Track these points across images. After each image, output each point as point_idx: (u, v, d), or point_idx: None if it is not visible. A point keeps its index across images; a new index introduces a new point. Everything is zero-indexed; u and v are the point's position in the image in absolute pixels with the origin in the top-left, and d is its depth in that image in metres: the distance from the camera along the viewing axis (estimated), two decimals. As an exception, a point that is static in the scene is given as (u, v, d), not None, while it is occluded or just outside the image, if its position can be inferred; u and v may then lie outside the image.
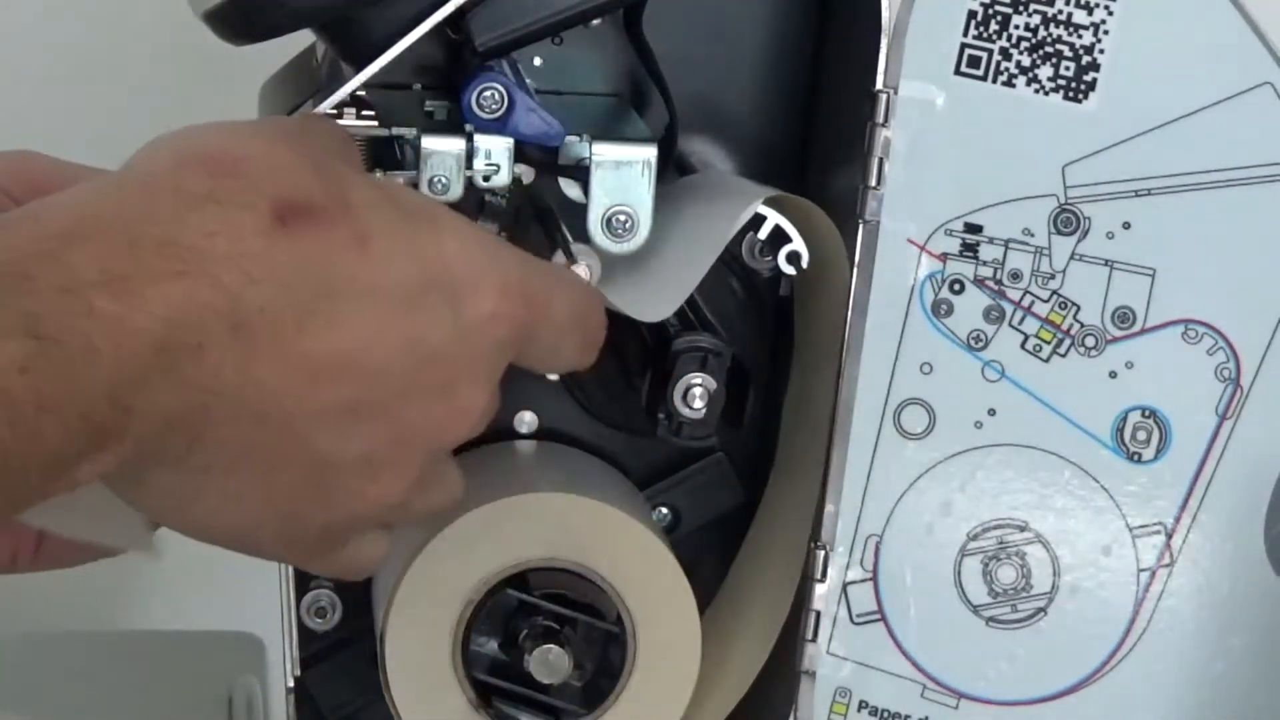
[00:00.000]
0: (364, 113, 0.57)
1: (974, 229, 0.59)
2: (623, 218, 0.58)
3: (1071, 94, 0.58)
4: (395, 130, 0.57)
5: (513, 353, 0.50)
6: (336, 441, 0.47)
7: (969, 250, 0.59)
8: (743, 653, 0.64)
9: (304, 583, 0.64)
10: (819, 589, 0.61)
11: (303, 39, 0.61)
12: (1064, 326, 0.59)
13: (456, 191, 0.57)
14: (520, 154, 0.58)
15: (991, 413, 0.60)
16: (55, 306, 0.42)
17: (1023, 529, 0.61)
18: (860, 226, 0.59)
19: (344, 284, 0.46)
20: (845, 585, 0.61)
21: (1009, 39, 0.57)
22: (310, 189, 0.46)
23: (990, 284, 0.59)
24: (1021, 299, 0.59)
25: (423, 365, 0.47)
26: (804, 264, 0.59)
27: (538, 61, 0.61)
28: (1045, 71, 0.58)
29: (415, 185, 0.57)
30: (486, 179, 0.57)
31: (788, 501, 0.64)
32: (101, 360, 0.42)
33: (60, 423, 0.42)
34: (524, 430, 0.66)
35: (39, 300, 0.42)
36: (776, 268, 0.60)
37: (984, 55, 0.58)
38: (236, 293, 0.44)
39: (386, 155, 0.58)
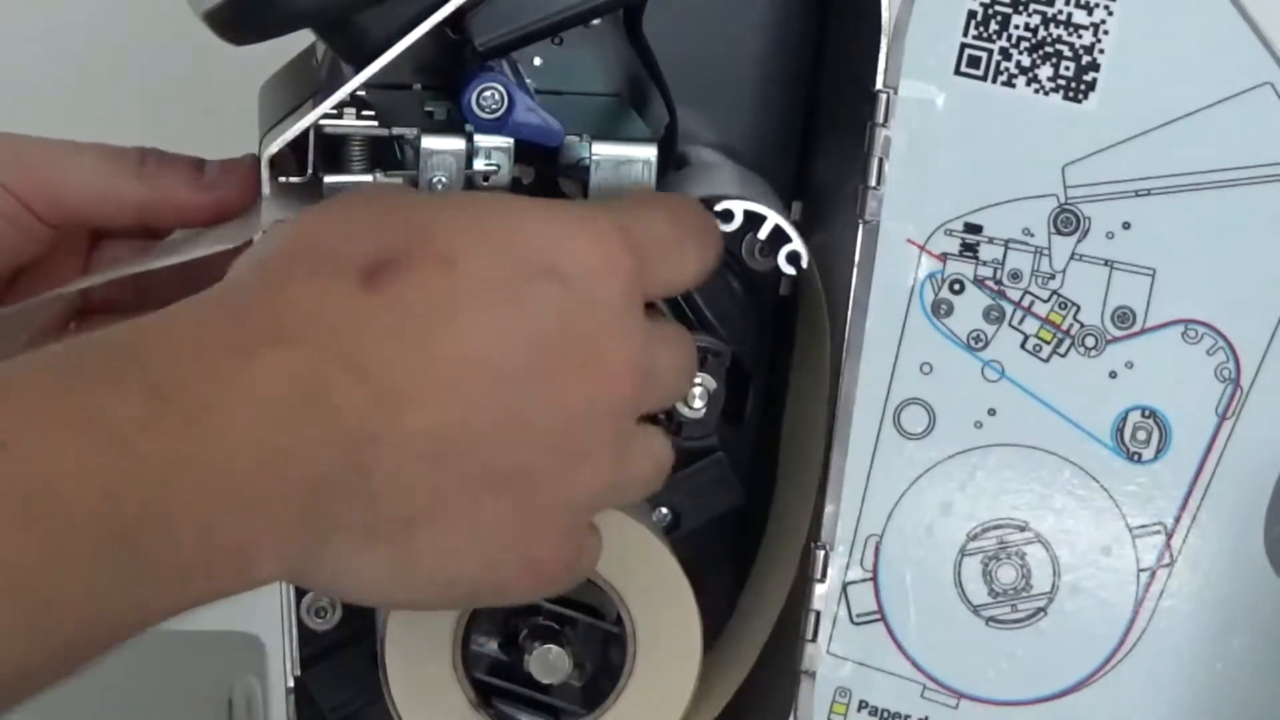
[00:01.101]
0: (364, 113, 0.57)
1: (974, 229, 0.59)
2: (623, 218, 0.58)
3: (1071, 94, 0.58)
4: (395, 130, 0.57)
5: (637, 292, 0.49)
6: (518, 450, 0.47)
7: (969, 250, 0.59)
8: (738, 651, 0.64)
9: (304, 583, 0.64)
10: (819, 589, 0.61)
11: (303, 39, 0.61)
12: (1064, 326, 0.59)
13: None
14: (520, 154, 0.58)
15: (991, 413, 0.60)
16: (170, 369, 0.42)
17: (1023, 529, 0.61)
18: (860, 226, 0.59)
19: (447, 307, 0.46)
20: (845, 585, 0.61)
21: (1009, 39, 0.57)
22: (388, 240, 0.47)
23: (990, 284, 0.59)
24: (1021, 299, 0.59)
25: (557, 344, 0.47)
26: (804, 264, 0.59)
27: (538, 61, 0.61)
28: (1045, 71, 0.58)
29: (415, 185, 0.57)
30: (486, 179, 0.57)
31: (787, 507, 0.64)
32: (231, 418, 0.42)
33: (197, 485, 0.41)
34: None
35: (154, 361, 0.42)
36: (776, 268, 0.60)
37: (984, 55, 0.58)
38: (351, 350, 0.44)
39: (386, 155, 0.58)
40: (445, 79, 0.60)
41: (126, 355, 0.43)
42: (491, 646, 0.60)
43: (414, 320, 0.46)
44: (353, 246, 0.47)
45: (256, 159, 0.59)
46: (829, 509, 0.60)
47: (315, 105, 0.56)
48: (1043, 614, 0.61)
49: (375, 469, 0.45)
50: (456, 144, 0.57)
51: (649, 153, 0.58)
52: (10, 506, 0.39)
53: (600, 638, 0.60)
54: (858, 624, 0.61)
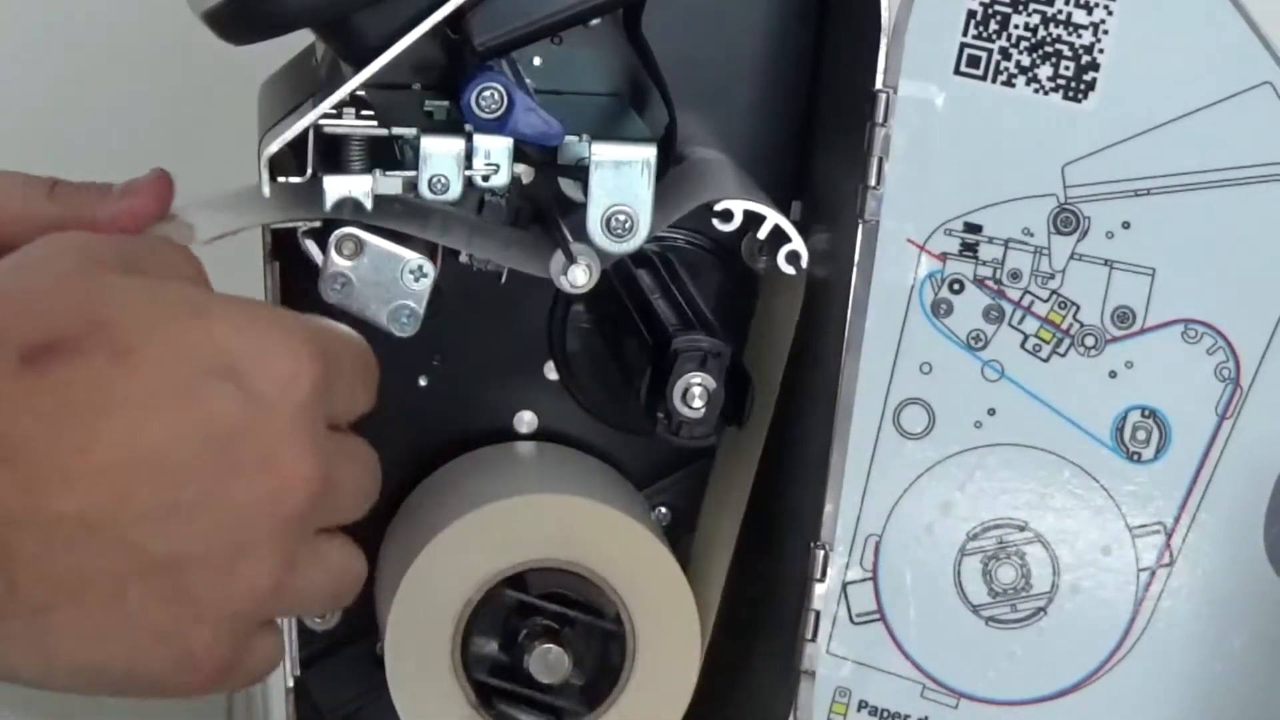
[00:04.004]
0: (363, 113, 0.57)
1: (974, 229, 0.59)
2: (622, 218, 0.58)
3: (1071, 94, 0.58)
4: (395, 130, 0.57)
5: (322, 403, 0.48)
6: (171, 542, 0.46)
7: (969, 250, 0.59)
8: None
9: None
10: (819, 589, 0.61)
11: (303, 39, 0.61)
12: (1064, 326, 0.59)
13: (456, 191, 0.57)
14: (520, 154, 0.58)
15: (991, 412, 0.60)
16: None
17: (1022, 529, 0.61)
18: (860, 226, 0.59)
19: (114, 397, 0.45)
20: (845, 585, 0.61)
21: (1009, 39, 0.57)
22: (58, 321, 0.46)
23: (990, 284, 0.59)
24: (1021, 299, 0.59)
25: (227, 445, 0.46)
26: (804, 264, 0.59)
27: (537, 61, 0.61)
28: (1045, 71, 0.58)
29: (414, 185, 0.57)
30: (486, 179, 0.57)
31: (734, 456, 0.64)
32: None
33: None
34: (523, 430, 0.66)
35: None
36: (775, 268, 0.60)
37: (984, 55, 0.58)
38: (2, 429, 0.44)
39: (386, 155, 0.58)
40: (445, 79, 0.60)
41: None
42: (491, 646, 0.60)
43: (74, 408, 0.45)
44: (22, 322, 0.46)
45: (163, 173, 0.59)
46: (829, 509, 0.60)
47: (315, 105, 0.56)
48: (1042, 614, 0.61)
49: (17, 551, 0.44)
50: (456, 144, 0.57)
51: (648, 153, 0.58)
52: None
53: (600, 637, 0.60)
54: (857, 624, 0.61)
